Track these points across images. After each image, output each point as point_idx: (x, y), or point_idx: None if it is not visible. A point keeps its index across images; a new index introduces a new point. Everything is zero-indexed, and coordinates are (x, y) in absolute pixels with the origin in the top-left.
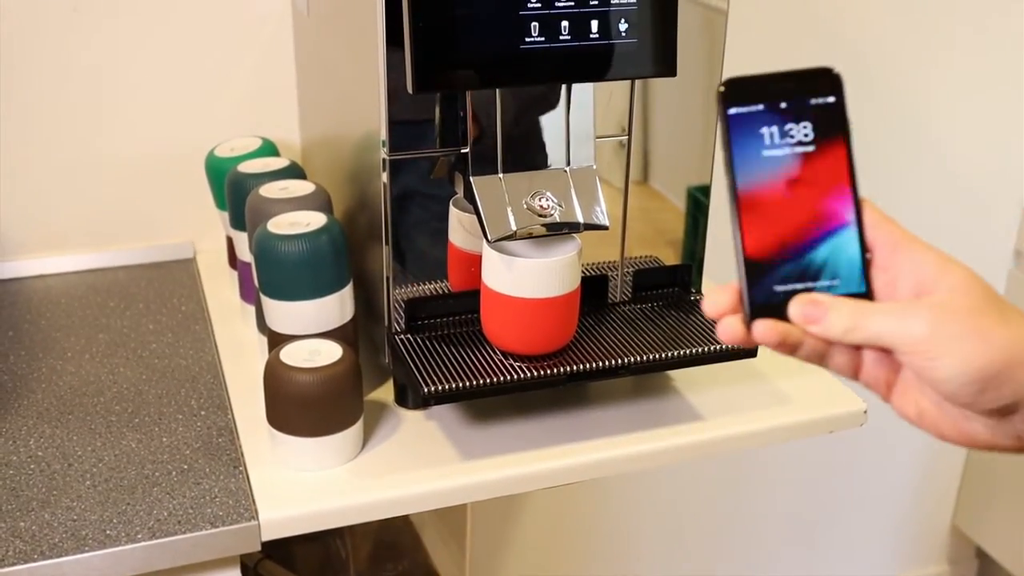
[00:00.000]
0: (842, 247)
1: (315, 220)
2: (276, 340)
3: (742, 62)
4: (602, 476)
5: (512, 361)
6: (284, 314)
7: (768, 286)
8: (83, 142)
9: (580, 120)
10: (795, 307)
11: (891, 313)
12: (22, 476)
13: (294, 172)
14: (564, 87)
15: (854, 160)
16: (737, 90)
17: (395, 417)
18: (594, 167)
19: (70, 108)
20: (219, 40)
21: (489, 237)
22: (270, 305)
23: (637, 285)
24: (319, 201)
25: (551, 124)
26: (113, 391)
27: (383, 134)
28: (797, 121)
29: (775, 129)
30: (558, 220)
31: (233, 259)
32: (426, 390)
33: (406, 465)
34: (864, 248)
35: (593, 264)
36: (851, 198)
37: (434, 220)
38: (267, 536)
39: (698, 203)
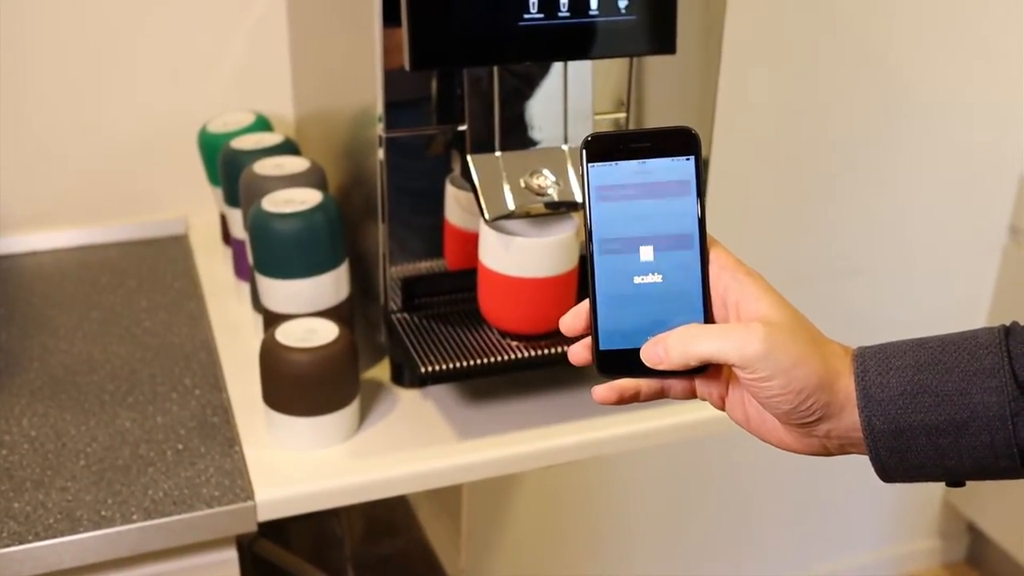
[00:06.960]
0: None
1: (310, 198)
2: (271, 319)
3: (741, 39)
4: (598, 455)
5: (509, 340)
6: (279, 292)
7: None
8: (75, 117)
9: (578, 97)
10: (643, 354)
11: (723, 335)
12: (15, 456)
13: (288, 148)
14: (562, 64)
15: (704, 213)
16: (599, 146)
17: (391, 396)
18: None
19: (62, 83)
20: (212, 13)
21: (486, 216)
22: (265, 283)
23: None
24: (314, 178)
25: (549, 101)
26: (106, 369)
27: (379, 111)
28: (653, 178)
29: (633, 184)
30: (556, 199)
31: (227, 235)
32: (424, 370)
33: (403, 444)
34: (707, 290)
35: None
36: (698, 249)
37: (430, 198)
38: (263, 517)
39: None
